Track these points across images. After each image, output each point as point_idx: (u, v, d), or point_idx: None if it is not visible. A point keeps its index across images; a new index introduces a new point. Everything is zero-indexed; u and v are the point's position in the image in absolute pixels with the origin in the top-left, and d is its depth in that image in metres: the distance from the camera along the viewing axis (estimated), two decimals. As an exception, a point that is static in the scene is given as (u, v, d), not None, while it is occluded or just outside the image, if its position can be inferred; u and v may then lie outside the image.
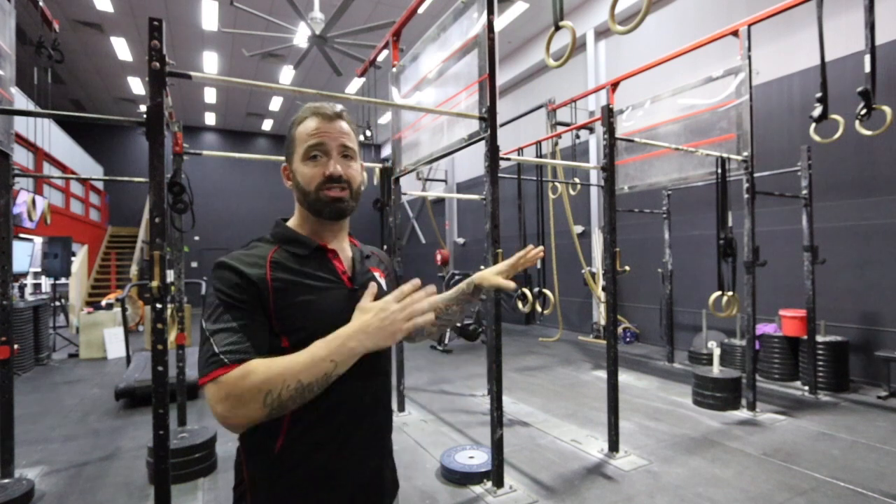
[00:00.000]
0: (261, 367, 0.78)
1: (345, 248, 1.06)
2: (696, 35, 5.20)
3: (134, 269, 11.53)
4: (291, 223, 1.04)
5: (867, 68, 3.39)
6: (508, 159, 3.44)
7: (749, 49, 4.10)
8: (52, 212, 6.87)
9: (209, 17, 8.73)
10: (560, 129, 7.44)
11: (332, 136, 0.98)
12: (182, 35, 9.39)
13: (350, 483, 0.95)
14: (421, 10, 4.44)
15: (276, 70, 11.31)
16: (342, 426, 0.94)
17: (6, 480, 2.86)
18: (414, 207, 15.48)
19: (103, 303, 7.69)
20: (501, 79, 10.40)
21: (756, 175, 4.25)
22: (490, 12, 2.85)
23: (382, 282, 1.10)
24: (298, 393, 0.79)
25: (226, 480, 3.05)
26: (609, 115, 3.49)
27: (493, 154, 2.87)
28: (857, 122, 3.50)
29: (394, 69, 4.37)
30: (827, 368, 4.71)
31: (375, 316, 0.83)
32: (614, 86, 4.97)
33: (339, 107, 1.02)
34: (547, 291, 4.69)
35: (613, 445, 3.35)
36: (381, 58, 5.48)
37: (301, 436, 0.90)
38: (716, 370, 4.39)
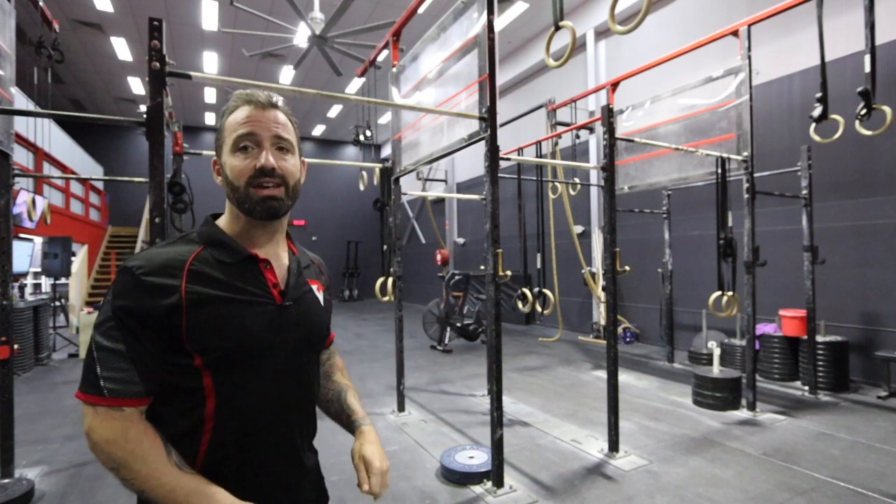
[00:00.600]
0: (138, 437, 0.75)
1: (280, 256, 0.95)
2: (696, 35, 5.19)
3: (134, 269, 11.50)
4: (221, 222, 0.92)
5: (867, 68, 3.39)
6: (508, 159, 3.44)
7: (749, 49, 4.10)
8: (52, 212, 6.86)
9: (209, 17, 8.73)
10: (560, 129, 7.44)
11: (264, 125, 0.87)
12: (182, 35, 9.39)
13: None
14: (421, 10, 4.44)
15: (276, 70, 11.31)
16: (256, 456, 0.87)
17: (6, 480, 2.86)
18: (414, 207, 15.48)
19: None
20: (501, 79, 10.40)
21: (756, 175, 4.25)
22: (490, 12, 2.85)
23: (319, 296, 1.01)
24: (137, 492, 0.77)
25: (226, 480, 3.05)
26: (609, 115, 3.49)
27: (493, 154, 2.87)
28: (857, 122, 3.50)
29: (394, 69, 4.37)
30: (827, 368, 4.71)
31: None
32: (614, 86, 4.97)
33: (274, 95, 0.92)
34: (547, 291, 4.68)
35: (613, 445, 3.35)
36: (381, 58, 5.48)
37: (217, 462, 0.84)
38: (716, 370, 4.39)
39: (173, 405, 0.82)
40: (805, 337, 4.79)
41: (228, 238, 0.89)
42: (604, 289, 3.68)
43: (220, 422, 0.83)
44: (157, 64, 2.01)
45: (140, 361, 0.77)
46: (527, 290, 4.71)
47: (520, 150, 6.04)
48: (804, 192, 4.64)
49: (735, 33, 4.15)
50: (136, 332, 0.77)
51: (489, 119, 2.87)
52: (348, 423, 1.09)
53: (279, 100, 0.92)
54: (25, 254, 7.16)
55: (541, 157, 7.08)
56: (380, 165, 4.62)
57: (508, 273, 2.96)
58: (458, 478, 2.97)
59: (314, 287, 1.01)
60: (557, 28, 3.05)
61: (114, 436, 0.75)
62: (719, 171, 4.10)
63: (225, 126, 0.89)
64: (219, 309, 0.82)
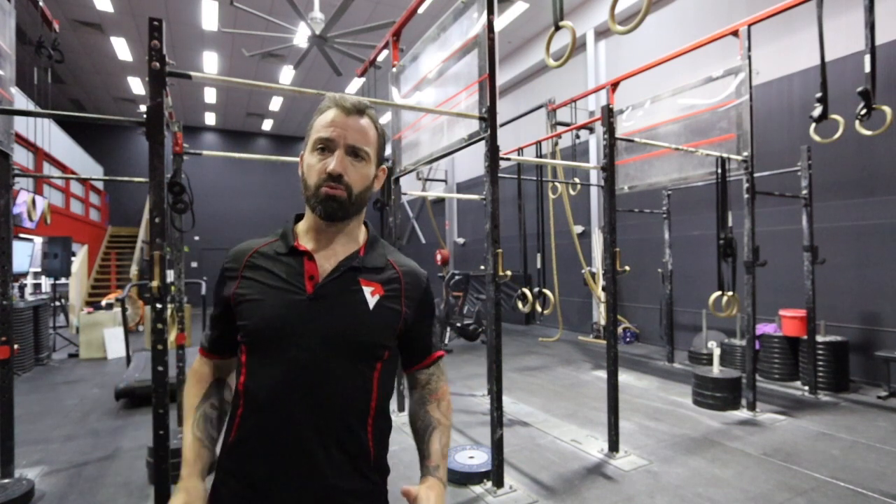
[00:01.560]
0: (192, 379, 1.04)
1: (334, 252, 0.96)
2: (696, 35, 5.19)
3: (134, 269, 11.53)
4: (302, 219, 1.02)
5: (867, 68, 3.39)
6: (508, 159, 3.44)
7: (749, 49, 4.10)
8: (52, 212, 6.86)
9: (209, 17, 8.73)
10: (560, 129, 7.44)
11: (343, 131, 0.91)
12: (182, 35, 9.39)
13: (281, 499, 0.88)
14: (421, 10, 4.43)
15: (276, 70, 11.31)
16: (270, 443, 0.89)
17: (6, 480, 2.86)
18: (414, 207, 15.48)
19: (103, 303, 7.69)
20: (501, 79, 10.40)
21: (756, 175, 4.25)
22: (490, 12, 2.85)
23: (371, 299, 0.95)
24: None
25: (226, 480, 3.05)
26: (609, 115, 3.49)
27: (493, 154, 2.87)
28: (857, 122, 3.50)
29: (394, 69, 4.37)
30: (827, 368, 4.71)
31: None
32: (614, 86, 4.97)
33: (365, 101, 0.95)
34: (547, 291, 4.68)
35: (613, 445, 3.35)
36: (381, 58, 5.48)
37: (244, 439, 0.91)
38: (716, 370, 4.39)
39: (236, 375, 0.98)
40: (805, 337, 4.79)
41: (290, 232, 0.99)
42: (604, 289, 3.68)
43: (247, 398, 0.92)
44: (157, 64, 2.01)
45: (214, 326, 1.02)
46: (527, 290, 4.71)
47: (520, 150, 6.04)
48: (804, 192, 4.64)
49: (735, 33, 4.15)
50: (217, 302, 1.00)
51: (489, 119, 2.87)
52: (421, 466, 1.00)
53: (367, 106, 0.95)
54: (25, 254, 7.16)
55: (541, 157, 7.08)
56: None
57: (508, 273, 2.96)
58: (458, 478, 2.97)
59: (368, 289, 0.95)
60: (557, 28, 3.05)
61: (190, 374, 1.05)
62: (719, 171, 4.10)
63: (312, 125, 0.95)
64: (254, 292, 0.94)
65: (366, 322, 0.93)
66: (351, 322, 0.92)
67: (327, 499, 0.88)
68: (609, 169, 3.46)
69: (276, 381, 0.89)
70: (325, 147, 0.91)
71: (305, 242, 0.97)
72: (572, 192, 7.56)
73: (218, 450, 0.99)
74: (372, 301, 0.95)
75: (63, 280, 8.81)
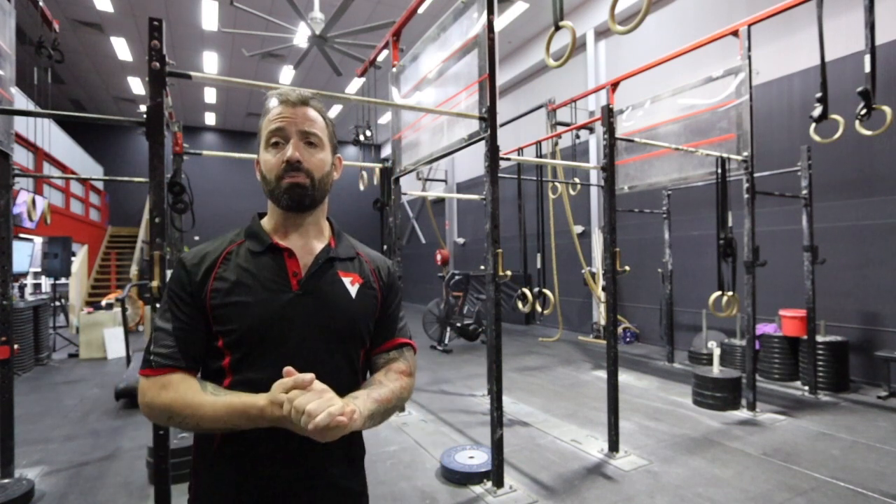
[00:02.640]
0: (177, 388, 0.85)
1: (311, 247, 0.99)
2: (696, 35, 5.19)
3: (134, 269, 11.52)
4: (265, 218, 1.02)
5: (867, 68, 3.39)
6: (508, 159, 3.44)
7: (749, 49, 4.09)
8: (52, 212, 6.86)
9: (209, 17, 8.73)
10: (560, 129, 7.44)
11: (293, 121, 0.93)
12: (182, 35, 9.39)
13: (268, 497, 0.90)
14: (421, 10, 4.43)
15: (276, 70, 11.31)
16: (259, 444, 0.89)
17: (6, 480, 2.86)
18: (414, 207, 15.48)
19: (103, 303, 7.69)
20: (501, 79, 10.40)
21: (756, 175, 4.25)
22: (490, 12, 2.85)
23: (352, 289, 0.99)
24: (196, 427, 0.85)
25: (226, 480, 3.05)
26: (609, 115, 3.49)
27: (493, 154, 2.87)
28: (857, 122, 3.50)
29: (394, 69, 4.37)
30: (827, 368, 4.71)
31: (296, 414, 0.74)
32: (614, 86, 4.97)
33: (307, 92, 0.97)
34: (547, 291, 4.68)
35: (613, 445, 3.35)
36: (381, 58, 5.48)
37: (236, 440, 0.89)
38: (716, 370, 4.39)
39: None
40: (805, 337, 4.79)
41: (260, 230, 0.98)
42: (604, 289, 3.68)
43: None
44: (157, 64, 2.01)
45: (181, 338, 0.89)
46: (527, 290, 4.71)
47: (520, 150, 6.04)
48: (804, 192, 4.63)
49: (735, 33, 4.15)
50: (182, 311, 0.90)
51: (489, 119, 2.87)
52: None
53: (310, 97, 0.97)
54: (25, 254, 7.16)
55: (541, 157, 7.08)
56: (380, 165, 4.62)
57: (508, 273, 2.96)
58: (458, 478, 2.97)
59: (346, 280, 0.99)
60: (557, 28, 3.05)
61: (154, 395, 0.85)
62: (719, 171, 4.10)
63: (261, 125, 0.96)
64: (238, 294, 0.90)
65: (350, 311, 0.98)
66: (337, 312, 0.96)
67: (329, 485, 0.94)
68: (609, 169, 3.47)
69: (270, 379, 0.84)
70: (279, 139, 0.93)
71: (278, 239, 0.97)
72: (572, 192, 7.56)
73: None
74: (353, 290, 0.99)
75: (63, 280, 8.80)
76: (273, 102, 0.95)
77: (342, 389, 0.90)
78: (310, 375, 0.79)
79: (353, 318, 0.98)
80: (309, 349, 0.92)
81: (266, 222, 1.00)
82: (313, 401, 0.74)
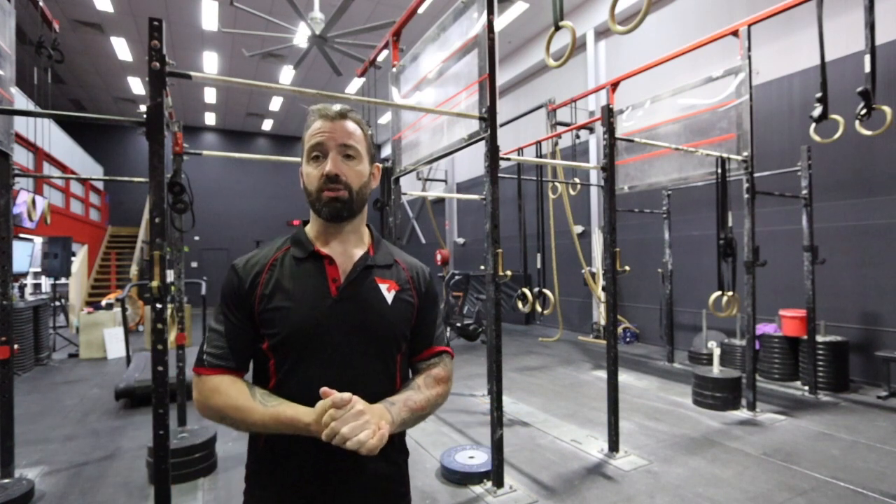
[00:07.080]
0: (227, 392, 0.91)
1: (351, 254, 1.02)
2: (696, 35, 5.20)
3: (134, 269, 11.53)
4: (309, 225, 1.06)
5: (867, 68, 3.39)
6: (508, 159, 3.44)
7: (749, 49, 4.09)
8: (52, 212, 6.87)
9: (209, 17, 8.73)
10: (560, 129, 7.44)
11: (331, 135, 0.97)
12: (182, 35, 9.39)
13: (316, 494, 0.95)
14: (421, 10, 4.44)
15: (276, 70, 11.31)
16: (308, 447, 0.91)
17: (6, 480, 2.85)
18: (414, 207, 15.47)
19: (103, 303, 7.69)
20: (501, 79, 10.40)
21: (756, 175, 4.25)
22: (490, 12, 2.85)
23: (388, 295, 1.02)
24: (245, 429, 0.92)
25: (226, 480, 3.05)
26: (609, 115, 3.49)
27: (493, 154, 2.87)
28: (857, 122, 3.50)
29: (394, 69, 4.37)
30: (827, 368, 4.71)
31: (331, 436, 0.80)
32: (614, 86, 4.97)
33: (345, 107, 1.02)
34: (547, 291, 4.68)
35: (613, 445, 3.35)
36: (381, 58, 5.48)
37: (281, 440, 0.93)
38: (716, 370, 4.39)
39: (257, 383, 0.98)
40: (805, 337, 4.79)
41: (304, 237, 1.03)
42: (604, 289, 3.68)
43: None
44: (157, 64, 2.01)
45: (234, 340, 0.95)
46: (527, 290, 4.71)
47: (520, 150, 6.04)
48: (804, 192, 4.63)
49: (735, 33, 4.15)
50: (233, 314, 0.96)
51: (489, 119, 2.87)
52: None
53: (348, 110, 1.01)
54: (25, 254, 7.17)
55: (541, 157, 7.08)
56: (380, 165, 4.61)
57: (508, 273, 2.96)
58: (458, 478, 2.97)
59: (383, 286, 1.03)
60: (557, 28, 3.05)
61: (207, 396, 0.92)
62: (719, 171, 4.10)
63: (303, 139, 1.01)
64: (281, 298, 0.96)
65: (386, 317, 1.01)
66: (374, 318, 0.99)
67: (368, 485, 0.98)
68: (609, 169, 3.46)
69: (313, 382, 0.90)
70: (319, 154, 0.98)
71: (320, 246, 1.01)
72: (572, 192, 7.56)
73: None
74: (389, 297, 1.03)
75: (63, 280, 8.81)
76: (313, 117, 1.00)
77: (378, 394, 0.96)
78: (347, 395, 0.84)
79: (389, 324, 1.01)
80: (346, 354, 0.96)
81: (309, 229, 1.05)
82: (348, 423, 0.81)
